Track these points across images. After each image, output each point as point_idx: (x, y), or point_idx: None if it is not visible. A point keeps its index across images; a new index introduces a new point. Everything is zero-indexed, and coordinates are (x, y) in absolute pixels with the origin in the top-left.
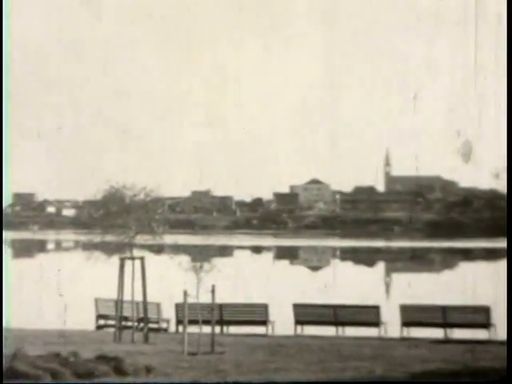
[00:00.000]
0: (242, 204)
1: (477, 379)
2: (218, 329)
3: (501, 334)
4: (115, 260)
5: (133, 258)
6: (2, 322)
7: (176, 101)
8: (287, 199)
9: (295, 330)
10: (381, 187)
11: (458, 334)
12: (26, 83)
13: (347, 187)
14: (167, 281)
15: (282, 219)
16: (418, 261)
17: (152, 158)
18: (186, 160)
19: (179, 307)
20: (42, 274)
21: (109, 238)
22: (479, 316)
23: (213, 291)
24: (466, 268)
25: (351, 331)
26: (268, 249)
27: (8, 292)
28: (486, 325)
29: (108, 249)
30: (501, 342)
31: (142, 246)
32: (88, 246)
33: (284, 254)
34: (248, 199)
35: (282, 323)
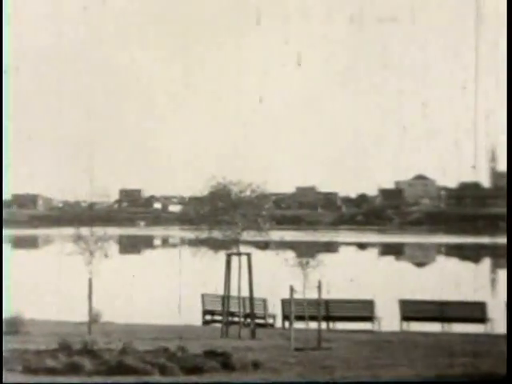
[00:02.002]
0: (346, 200)
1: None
2: (324, 324)
3: None
4: (222, 256)
5: (239, 254)
6: (3, 320)
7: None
8: (392, 195)
9: (401, 326)
10: (486, 183)
11: None
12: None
13: (452, 183)
14: (273, 277)
15: (387, 215)
16: None
17: (257, 155)
18: (291, 156)
19: (285, 303)
20: (148, 270)
21: (215, 234)
22: None
23: (319, 287)
24: None
25: (457, 327)
26: (373, 245)
27: (115, 288)
28: None
29: (214, 245)
30: None
31: (248, 242)
32: (195, 242)
33: (389, 250)
34: (353, 195)
35: (388, 319)
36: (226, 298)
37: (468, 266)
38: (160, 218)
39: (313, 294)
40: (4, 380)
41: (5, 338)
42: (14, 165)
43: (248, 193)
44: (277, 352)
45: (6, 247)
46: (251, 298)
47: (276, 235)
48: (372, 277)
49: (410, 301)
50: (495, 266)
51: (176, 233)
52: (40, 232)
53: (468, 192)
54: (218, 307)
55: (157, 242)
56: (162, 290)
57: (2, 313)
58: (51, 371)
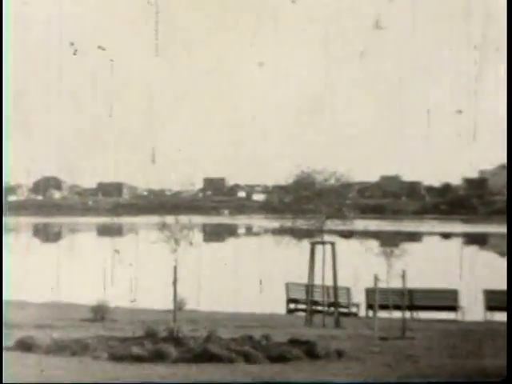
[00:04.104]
0: (430, 189)
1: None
2: (407, 314)
3: None
4: (305, 245)
5: (323, 243)
6: (2, 317)
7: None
8: (476, 184)
9: (485, 315)
10: None
11: None
12: None
13: None
14: (357, 266)
15: (471, 204)
16: None
17: (340, 143)
18: (374, 145)
19: (369, 292)
20: (233, 259)
21: (299, 222)
22: None
23: (403, 276)
24: None
25: None
26: (457, 234)
27: (199, 276)
28: None
29: (298, 233)
30: None
31: (332, 231)
32: (278, 231)
33: (473, 239)
34: (437, 184)
35: (472, 309)
36: (310, 287)
37: None
38: (244, 207)
39: (397, 283)
40: (4, 380)
41: (91, 325)
42: (100, 154)
43: (332, 181)
44: (361, 341)
45: (91, 235)
46: (335, 287)
47: (360, 224)
48: (456, 266)
49: (495, 290)
50: None
51: (260, 222)
52: (125, 220)
53: None
54: (302, 296)
55: (241, 230)
56: (245, 278)
57: (1, 311)
58: (137, 359)
